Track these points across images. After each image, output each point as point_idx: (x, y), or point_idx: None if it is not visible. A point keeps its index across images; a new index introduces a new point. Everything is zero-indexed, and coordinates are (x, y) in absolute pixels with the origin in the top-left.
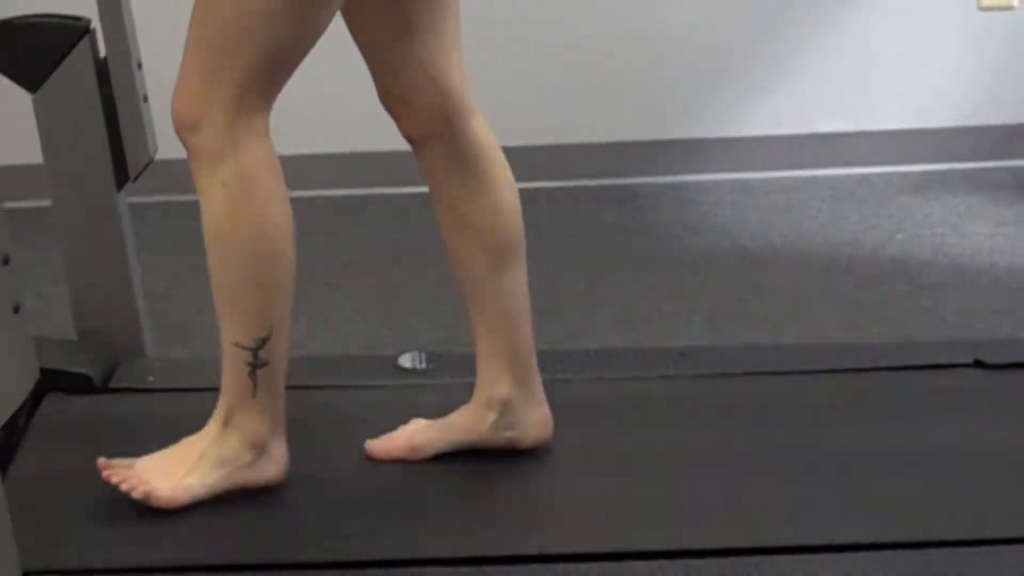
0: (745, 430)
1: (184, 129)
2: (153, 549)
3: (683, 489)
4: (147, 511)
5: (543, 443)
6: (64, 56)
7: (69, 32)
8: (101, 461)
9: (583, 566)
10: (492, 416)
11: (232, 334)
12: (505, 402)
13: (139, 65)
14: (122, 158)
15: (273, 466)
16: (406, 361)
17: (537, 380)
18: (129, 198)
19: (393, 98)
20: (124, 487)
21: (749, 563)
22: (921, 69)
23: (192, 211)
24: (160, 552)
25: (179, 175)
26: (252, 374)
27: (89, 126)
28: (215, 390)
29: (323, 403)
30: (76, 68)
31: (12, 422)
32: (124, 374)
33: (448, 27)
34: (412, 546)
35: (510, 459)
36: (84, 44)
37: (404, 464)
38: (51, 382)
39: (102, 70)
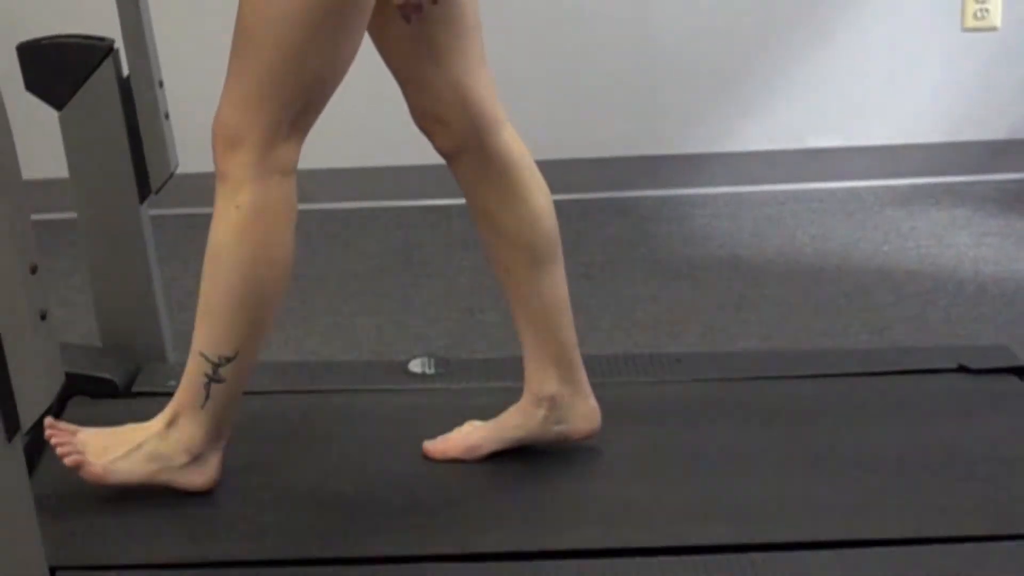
0: (739, 432)
1: (219, 148)
2: (176, 545)
3: (681, 488)
4: (169, 509)
5: (592, 435)
6: (89, 75)
7: (93, 52)
8: (48, 420)
9: (585, 562)
10: (541, 412)
11: (202, 343)
12: (553, 398)
13: (160, 84)
14: (144, 172)
15: (202, 475)
16: (415, 366)
17: (582, 374)
18: (151, 210)
19: (425, 117)
20: (60, 451)
21: (744, 559)
22: (907, 87)
23: (209, 225)
24: (184, 548)
25: (199, 188)
26: (207, 386)
27: (113, 142)
28: None
29: (337, 406)
30: (100, 86)
31: (39, 425)
32: (146, 379)
33: (472, 46)
34: (423, 542)
35: (515, 459)
36: (108, 64)
37: (411, 463)
38: (76, 386)
39: (125, 88)
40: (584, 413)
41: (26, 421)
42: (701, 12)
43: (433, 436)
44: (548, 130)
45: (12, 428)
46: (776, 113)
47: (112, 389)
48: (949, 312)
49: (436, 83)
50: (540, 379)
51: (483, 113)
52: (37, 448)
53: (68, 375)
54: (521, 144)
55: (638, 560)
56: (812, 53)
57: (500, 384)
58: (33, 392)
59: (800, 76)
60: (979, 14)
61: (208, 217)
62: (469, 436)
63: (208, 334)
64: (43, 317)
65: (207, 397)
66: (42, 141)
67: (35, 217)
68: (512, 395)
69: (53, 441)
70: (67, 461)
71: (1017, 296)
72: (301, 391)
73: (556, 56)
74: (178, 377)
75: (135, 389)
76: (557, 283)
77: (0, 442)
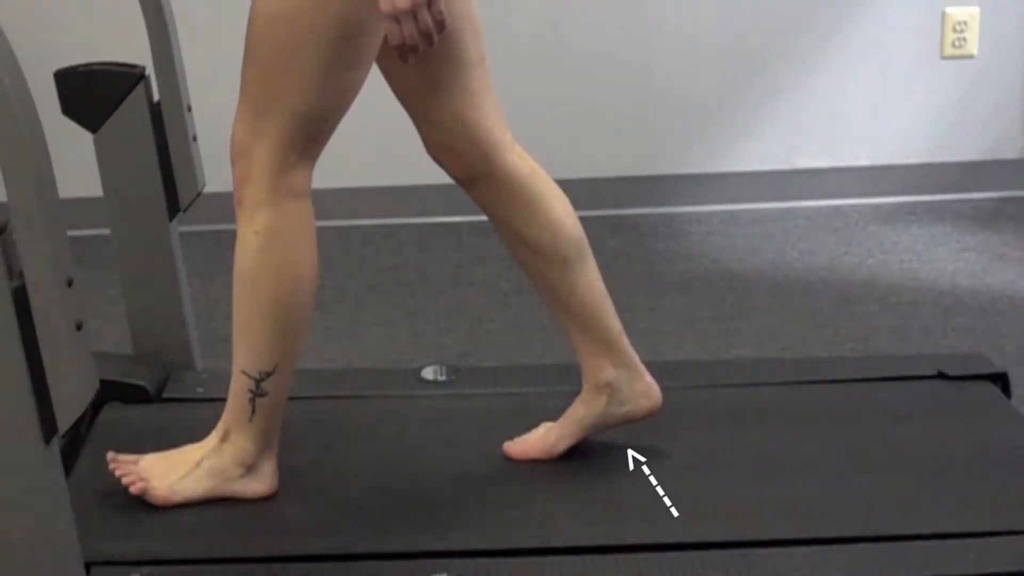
0: (731, 436)
1: (235, 175)
2: (203, 542)
3: (675, 487)
4: (199, 508)
5: (655, 410)
6: (121, 100)
7: (126, 79)
8: (110, 455)
9: (586, 558)
10: (603, 399)
11: (241, 361)
12: (610, 384)
13: (188, 108)
14: (173, 191)
15: (260, 483)
16: (428, 374)
17: (633, 355)
18: (180, 227)
19: (435, 147)
20: (124, 481)
21: (736, 555)
22: (890, 111)
23: (235, 240)
24: (211, 545)
25: (224, 206)
26: (252, 401)
27: (144, 163)
28: None
29: (355, 411)
30: (132, 111)
31: (75, 429)
32: (176, 385)
33: (473, 79)
34: (444, 537)
35: (514, 461)
36: (139, 89)
37: (425, 463)
38: (110, 392)
39: (155, 113)
40: (643, 391)
41: (63, 425)
42: (696, 43)
43: (446, 438)
44: (554, 152)
45: (49, 431)
46: (766, 136)
47: (144, 395)
48: (929, 322)
49: (441, 115)
50: (595, 369)
51: (489, 141)
52: (73, 450)
53: (102, 382)
54: (530, 161)
55: (637, 556)
56: (800, 80)
57: (508, 390)
58: (69, 397)
59: (789, 101)
60: (957, 43)
61: (233, 233)
62: (546, 437)
63: (246, 353)
64: (79, 327)
65: (253, 411)
66: (78, 162)
67: (71, 233)
68: (520, 400)
69: (117, 473)
70: (133, 489)
71: (992, 307)
72: (322, 397)
73: (562, 84)
74: (206, 384)
75: (165, 395)
76: (591, 278)
77: (38, 444)
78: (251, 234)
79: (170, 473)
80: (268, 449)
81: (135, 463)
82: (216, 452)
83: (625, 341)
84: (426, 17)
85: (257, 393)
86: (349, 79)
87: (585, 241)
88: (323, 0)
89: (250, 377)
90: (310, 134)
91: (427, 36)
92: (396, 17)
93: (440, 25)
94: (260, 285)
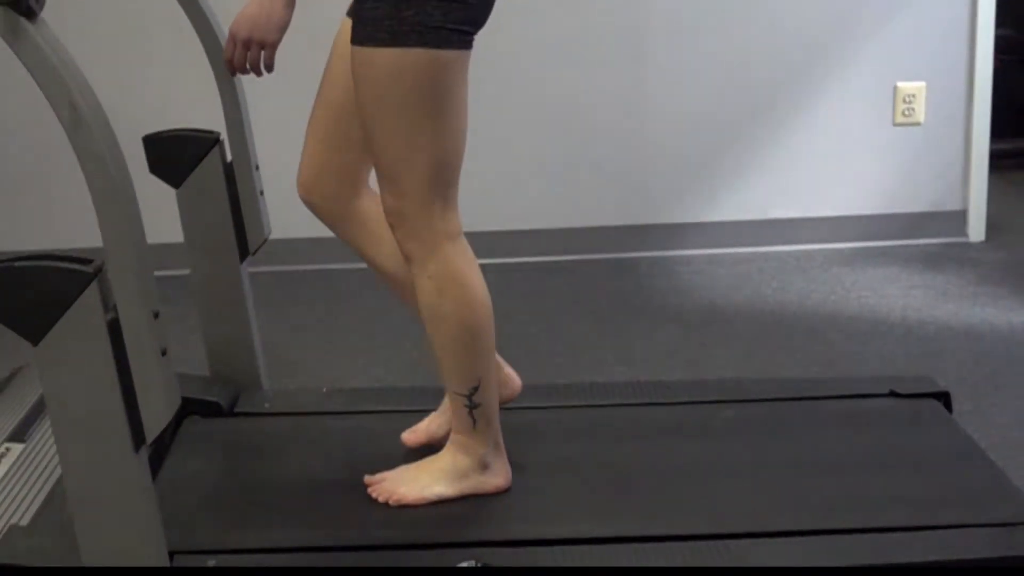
0: (714, 443)
1: (397, 238)
2: (270, 533)
3: (667, 488)
4: (262, 507)
5: (516, 393)
6: (200, 161)
7: (203, 143)
8: (366, 478)
9: (592, 548)
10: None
11: (452, 385)
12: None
13: (256, 167)
14: (244, 238)
15: (498, 478)
16: None
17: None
18: (249, 268)
19: (307, 186)
20: (380, 498)
21: (720, 546)
22: (850, 170)
23: (296, 279)
24: (277, 535)
25: (286, 251)
26: (470, 414)
27: (219, 213)
28: (316, 414)
29: (396, 423)
30: (209, 170)
31: (160, 439)
32: (246, 402)
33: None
34: (473, 529)
35: (522, 469)
36: (215, 151)
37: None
38: (190, 408)
39: (228, 171)
40: (502, 382)
41: (150, 435)
42: (685, 114)
43: None
44: (564, 203)
45: (139, 441)
46: (745, 190)
47: (218, 410)
48: (883, 349)
49: (339, 163)
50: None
51: (355, 190)
52: (159, 456)
53: (183, 399)
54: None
55: (635, 546)
56: (774, 142)
57: (525, 405)
58: (155, 412)
59: (764, 160)
60: (906, 112)
61: (293, 274)
62: (428, 427)
63: (452, 376)
64: (164, 353)
65: (475, 421)
66: (162, 213)
67: (157, 273)
68: (535, 413)
69: (373, 494)
70: (391, 502)
71: (937, 336)
72: (368, 412)
73: (572, 147)
74: (271, 400)
75: (237, 410)
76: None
77: (129, 452)
78: (426, 280)
79: (418, 481)
80: (497, 448)
81: (383, 480)
82: (454, 459)
83: None
84: (257, 55)
85: (472, 406)
86: (456, 122)
87: None
88: (405, 65)
89: (461, 395)
90: (444, 181)
91: (254, 68)
92: (235, 41)
93: (268, 67)
94: (446, 321)
